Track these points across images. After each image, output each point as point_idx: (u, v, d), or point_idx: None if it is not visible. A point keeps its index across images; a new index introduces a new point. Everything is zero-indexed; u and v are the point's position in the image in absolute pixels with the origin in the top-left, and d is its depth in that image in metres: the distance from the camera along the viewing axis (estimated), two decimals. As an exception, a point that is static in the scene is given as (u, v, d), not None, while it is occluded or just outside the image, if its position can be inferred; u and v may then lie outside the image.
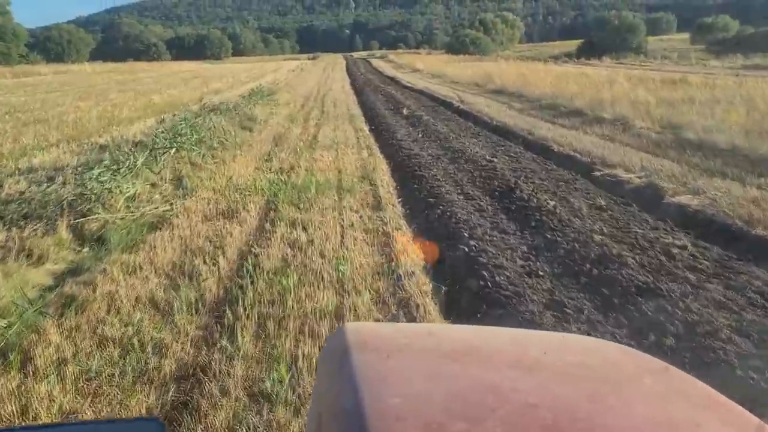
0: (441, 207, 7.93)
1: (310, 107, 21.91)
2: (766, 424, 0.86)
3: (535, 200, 7.79)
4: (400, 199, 8.53)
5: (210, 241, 6.17)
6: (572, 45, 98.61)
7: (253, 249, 5.95)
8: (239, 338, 4.06)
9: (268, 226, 6.82)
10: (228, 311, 4.50)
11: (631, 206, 7.64)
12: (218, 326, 4.32)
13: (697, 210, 7.15)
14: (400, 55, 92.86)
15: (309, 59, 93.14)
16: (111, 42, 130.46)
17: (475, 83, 31.09)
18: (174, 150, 9.82)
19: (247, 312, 4.46)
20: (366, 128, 16.34)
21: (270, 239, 6.28)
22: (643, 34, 69.29)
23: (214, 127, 13.38)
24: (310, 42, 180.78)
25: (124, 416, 3.16)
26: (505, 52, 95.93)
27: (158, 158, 9.24)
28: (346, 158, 11.40)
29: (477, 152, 11.98)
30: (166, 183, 8.55)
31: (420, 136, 14.92)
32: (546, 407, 0.85)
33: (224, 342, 4.03)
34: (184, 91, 29.48)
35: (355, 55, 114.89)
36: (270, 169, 10.31)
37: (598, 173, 9.54)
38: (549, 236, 6.43)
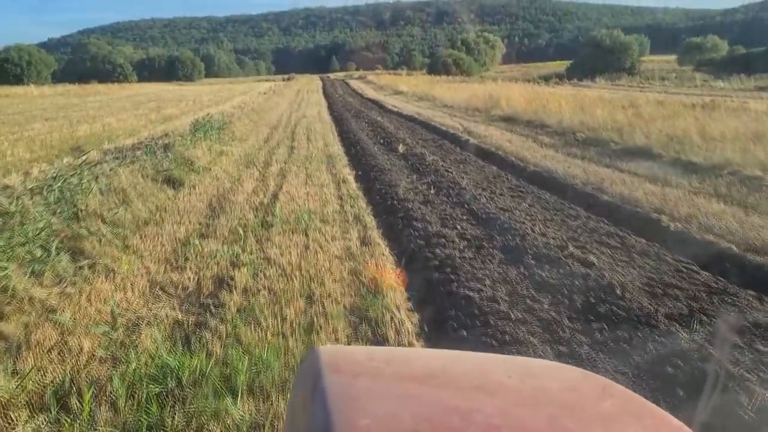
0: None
1: (276, 142, 16.91)
2: None
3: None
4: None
5: None
6: (555, 66, 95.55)
7: None
8: None
9: None
10: None
11: None
12: None
13: None
14: (379, 75, 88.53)
15: (283, 80, 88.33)
16: (78, 63, 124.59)
17: (474, 108, 26.43)
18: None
19: None
20: (351, 177, 11.40)
21: None
22: (636, 53, 65.72)
23: (106, 188, 8.31)
24: (287, 63, 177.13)
25: None
26: (487, 72, 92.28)
27: None
28: (324, 253, 6.42)
29: (546, 237, 7.08)
30: None
31: (432, 192, 10.02)
32: (507, 429, 0.87)
33: None
34: (127, 119, 24.36)
35: (332, 76, 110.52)
36: (170, 296, 5.26)
37: None
38: None
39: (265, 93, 47.00)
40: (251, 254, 6.31)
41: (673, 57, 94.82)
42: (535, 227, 7.44)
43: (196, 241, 6.59)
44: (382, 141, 17.24)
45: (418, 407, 0.92)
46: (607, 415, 0.96)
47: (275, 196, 9.40)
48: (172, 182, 10.38)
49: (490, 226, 7.62)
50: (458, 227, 7.72)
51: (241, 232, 7.13)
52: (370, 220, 8.11)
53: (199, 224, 7.68)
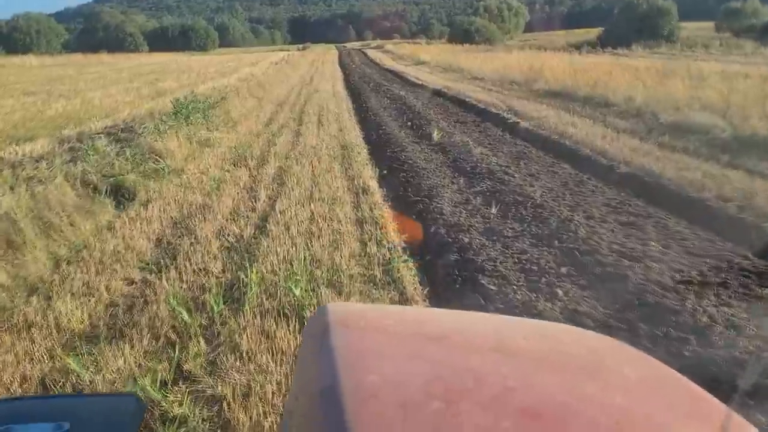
0: None
1: (279, 125, 13.72)
2: (734, 413, 0.83)
3: None
4: None
5: None
6: (583, 33, 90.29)
7: None
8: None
9: None
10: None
11: None
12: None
13: None
14: (397, 45, 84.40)
15: (298, 50, 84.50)
16: (90, 33, 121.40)
17: (511, 81, 22.90)
18: None
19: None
20: (374, 183, 8.22)
21: None
22: (675, 19, 60.95)
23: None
24: (302, 32, 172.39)
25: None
26: (511, 41, 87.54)
27: None
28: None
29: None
30: None
31: (494, 211, 6.82)
32: (523, 392, 0.84)
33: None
34: (115, 94, 21.21)
35: (349, 45, 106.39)
36: None
37: None
38: None
39: (276, 63, 43.54)
40: (187, 401, 3.16)
41: (706, 24, 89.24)
42: (717, 312, 4.21)
43: (76, 366, 3.42)
44: (410, 123, 13.97)
45: (429, 366, 0.88)
46: (628, 381, 0.91)
47: (263, 223, 6.25)
48: (122, 194, 7.28)
49: (625, 304, 4.41)
50: (562, 295, 4.54)
51: (186, 318, 4.00)
52: (410, 279, 4.93)
53: (125, 291, 4.57)
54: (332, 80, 28.57)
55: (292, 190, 7.60)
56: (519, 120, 13.44)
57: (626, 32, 59.80)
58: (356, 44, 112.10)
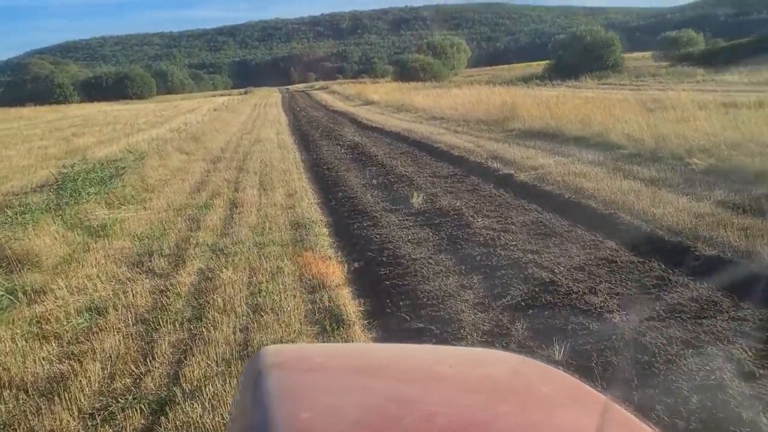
0: None
1: (210, 192, 10.67)
2: (631, 415, 0.91)
3: None
4: None
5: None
6: (523, 67, 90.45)
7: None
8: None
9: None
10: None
11: None
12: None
13: None
14: (343, 85, 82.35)
15: (240, 94, 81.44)
16: (18, 86, 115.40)
17: (477, 120, 20.41)
18: None
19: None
20: (345, 293, 5.29)
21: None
22: (619, 50, 60.92)
23: None
24: (245, 76, 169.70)
25: None
26: (456, 77, 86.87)
27: None
28: None
29: None
30: None
31: (559, 357, 3.97)
32: (445, 416, 0.86)
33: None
34: (13, 157, 17.73)
35: (292, 88, 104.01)
36: None
37: None
38: None
39: (216, 110, 40.40)
40: None
41: (641, 54, 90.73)
42: None
43: None
44: (375, 181, 11.14)
45: (360, 399, 0.88)
46: (544, 398, 0.94)
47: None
48: None
49: None
50: None
51: None
52: None
53: None
54: (276, 126, 25.66)
55: (216, 327, 4.58)
56: (511, 171, 10.78)
57: (572, 64, 59.36)
58: (300, 86, 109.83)
